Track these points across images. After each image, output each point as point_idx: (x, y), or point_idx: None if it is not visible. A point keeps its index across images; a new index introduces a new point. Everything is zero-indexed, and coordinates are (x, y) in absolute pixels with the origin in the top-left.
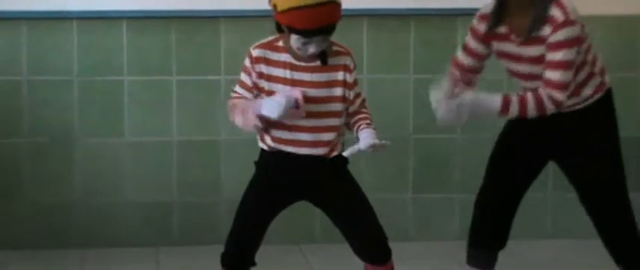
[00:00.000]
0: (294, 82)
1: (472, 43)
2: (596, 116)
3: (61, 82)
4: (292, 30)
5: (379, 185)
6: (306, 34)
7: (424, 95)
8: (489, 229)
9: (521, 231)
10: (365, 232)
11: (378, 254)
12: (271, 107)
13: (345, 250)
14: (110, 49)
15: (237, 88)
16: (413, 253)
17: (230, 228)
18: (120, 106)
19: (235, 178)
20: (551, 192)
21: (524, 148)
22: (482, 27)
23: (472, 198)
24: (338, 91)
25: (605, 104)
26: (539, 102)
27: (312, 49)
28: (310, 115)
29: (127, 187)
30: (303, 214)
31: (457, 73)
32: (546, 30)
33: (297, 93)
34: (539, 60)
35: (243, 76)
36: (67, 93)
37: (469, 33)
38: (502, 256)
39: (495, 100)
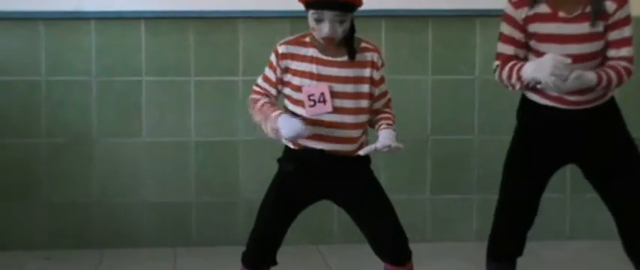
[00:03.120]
0: (320, 77)
1: (510, 32)
2: (615, 113)
3: (79, 83)
4: (306, 5)
5: (397, 186)
6: (317, 5)
7: (442, 96)
8: (511, 241)
9: (540, 232)
10: (387, 233)
11: (399, 255)
12: (289, 128)
13: (363, 250)
14: (128, 50)
15: (261, 82)
16: (430, 253)
17: (252, 227)
18: (138, 106)
19: (253, 179)
20: (569, 193)
21: (539, 155)
22: (519, 12)
23: (490, 198)
24: (365, 88)
25: (615, 102)
26: (620, 77)
27: (325, 30)
28: (337, 110)
29: (145, 187)
30: (321, 215)
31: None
32: (608, 6)
33: (323, 87)
34: (586, 38)
35: (268, 72)
36: (84, 93)
37: (505, 22)
38: (522, 257)
39: (591, 75)
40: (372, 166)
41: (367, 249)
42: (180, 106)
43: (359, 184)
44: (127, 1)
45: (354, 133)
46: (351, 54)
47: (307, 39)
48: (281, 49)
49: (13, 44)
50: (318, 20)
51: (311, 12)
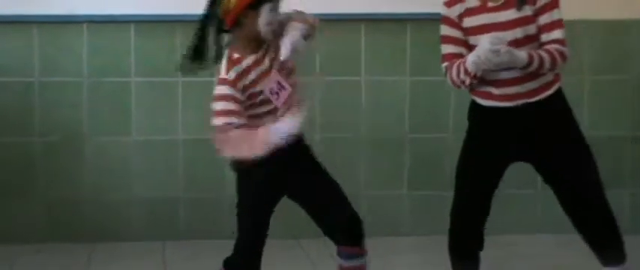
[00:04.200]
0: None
1: (449, 31)
2: (562, 107)
3: (71, 83)
4: (234, 14)
5: (376, 182)
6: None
7: (420, 96)
8: (469, 238)
9: (512, 226)
10: (339, 207)
11: (353, 231)
12: (285, 126)
13: None
14: (118, 52)
15: (224, 118)
16: (408, 246)
17: (237, 234)
18: (127, 106)
19: None
20: (540, 189)
21: (488, 156)
22: (452, 11)
23: None
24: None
25: (563, 96)
26: (553, 58)
27: (264, 19)
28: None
29: (135, 183)
30: (302, 210)
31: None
32: None
33: (275, 77)
34: (518, 23)
35: (226, 105)
36: (77, 93)
37: (443, 24)
38: (495, 250)
39: (523, 55)
40: (352, 165)
41: None
42: (168, 105)
43: (306, 164)
44: (118, 5)
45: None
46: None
47: (236, 55)
48: (231, 75)
49: (8, 46)
50: (265, 15)
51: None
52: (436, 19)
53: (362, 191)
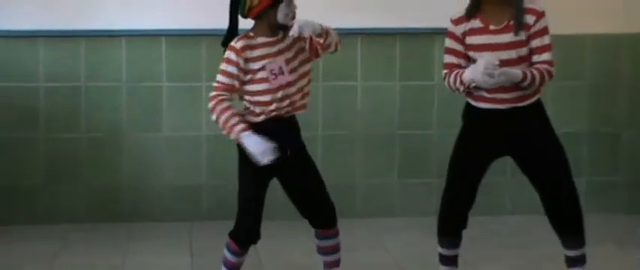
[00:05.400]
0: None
1: (453, 45)
2: (541, 113)
3: (112, 88)
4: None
5: (370, 172)
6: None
7: (407, 99)
8: (456, 220)
9: (486, 208)
10: (318, 199)
11: (328, 217)
12: (256, 148)
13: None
14: (151, 61)
15: (221, 79)
16: (398, 226)
17: (238, 208)
18: (159, 107)
19: None
20: (509, 177)
21: (479, 150)
22: (458, 28)
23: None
24: (307, 57)
25: (541, 103)
26: (542, 76)
27: (281, 14)
28: (289, 83)
29: (165, 172)
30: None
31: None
32: (529, 19)
33: (280, 62)
34: (512, 45)
35: (227, 66)
36: (116, 96)
37: (448, 38)
38: (471, 229)
39: (518, 73)
40: (349, 157)
41: (343, 222)
42: (194, 106)
43: (299, 161)
44: (151, 21)
45: (302, 100)
46: (285, 33)
47: (251, 33)
48: (239, 44)
49: (59, 56)
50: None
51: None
52: (422, 34)
53: (358, 180)
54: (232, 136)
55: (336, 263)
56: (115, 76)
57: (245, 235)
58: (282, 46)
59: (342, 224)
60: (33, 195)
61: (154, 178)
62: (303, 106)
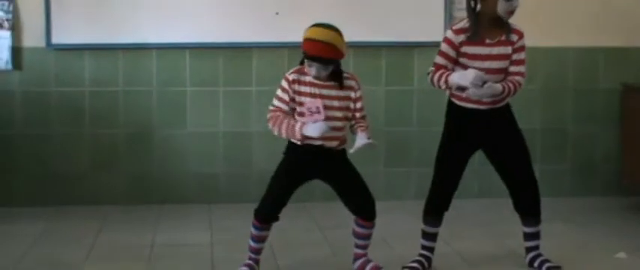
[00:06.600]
0: (316, 95)
1: (447, 50)
2: (510, 113)
3: (145, 92)
4: (304, 54)
5: (361, 162)
6: (309, 58)
7: (392, 101)
8: (442, 203)
9: (458, 193)
10: (359, 196)
11: (370, 213)
12: (317, 129)
13: (338, 205)
14: (177, 69)
15: (276, 103)
16: (383, 208)
17: (265, 192)
18: (184, 108)
19: (263, 157)
20: (477, 166)
21: (460, 144)
22: (458, 38)
23: (424, 171)
24: (348, 104)
25: (510, 105)
26: (516, 88)
27: (313, 72)
28: (328, 118)
29: (189, 162)
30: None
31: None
32: (513, 37)
33: (318, 102)
34: (501, 57)
35: (281, 94)
36: (148, 99)
37: (444, 43)
38: (447, 211)
39: (498, 86)
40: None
41: (340, 205)
42: (212, 107)
43: (340, 166)
44: (177, 36)
45: (339, 134)
46: (340, 82)
47: (306, 69)
48: (291, 77)
49: (101, 65)
50: (309, 65)
51: (306, 59)
52: (403, 47)
53: None
54: (297, 136)
55: (366, 246)
56: (148, 82)
57: (263, 215)
58: (330, 91)
59: (336, 205)
60: (79, 181)
61: (179, 167)
62: (337, 142)
